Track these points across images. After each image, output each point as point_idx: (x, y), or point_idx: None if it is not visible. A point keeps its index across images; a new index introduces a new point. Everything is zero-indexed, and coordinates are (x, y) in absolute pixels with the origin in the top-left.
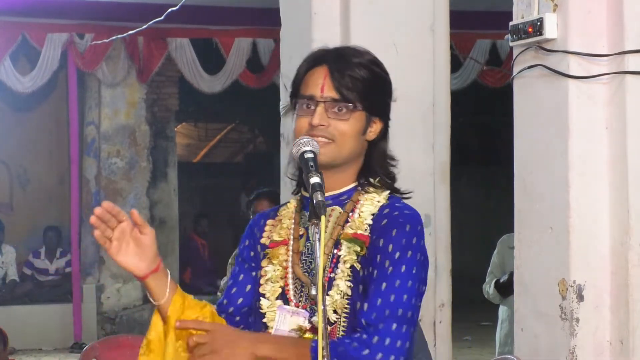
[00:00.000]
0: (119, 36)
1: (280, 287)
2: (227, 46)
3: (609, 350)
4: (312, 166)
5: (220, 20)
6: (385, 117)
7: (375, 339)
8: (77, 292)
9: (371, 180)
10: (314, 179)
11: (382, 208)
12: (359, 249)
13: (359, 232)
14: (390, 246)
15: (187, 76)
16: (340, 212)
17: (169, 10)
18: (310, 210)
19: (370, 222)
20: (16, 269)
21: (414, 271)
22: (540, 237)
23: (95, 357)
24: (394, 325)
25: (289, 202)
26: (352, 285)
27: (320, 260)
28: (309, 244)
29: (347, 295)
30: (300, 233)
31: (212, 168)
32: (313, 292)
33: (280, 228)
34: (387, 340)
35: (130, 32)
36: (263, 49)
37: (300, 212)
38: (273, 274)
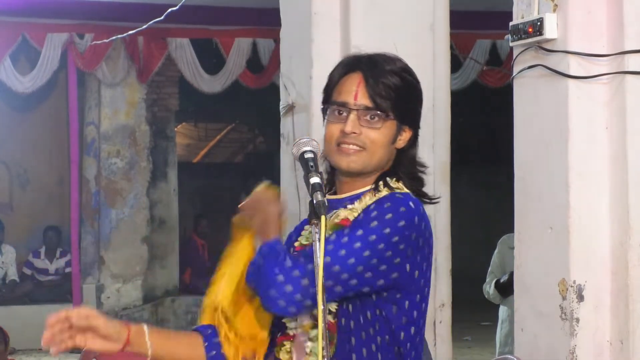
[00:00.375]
0: (119, 36)
1: None
2: (227, 46)
3: (608, 351)
4: (312, 166)
5: (220, 20)
6: (415, 126)
7: (296, 272)
8: (77, 292)
9: (387, 180)
10: (314, 179)
11: (381, 199)
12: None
13: (343, 219)
14: (361, 215)
15: (187, 76)
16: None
17: (169, 10)
18: (310, 210)
19: (358, 212)
20: (16, 269)
21: (370, 239)
22: (540, 237)
23: (95, 358)
24: (310, 266)
25: None
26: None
27: (320, 260)
28: None
29: None
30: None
31: (212, 168)
32: None
33: (309, 232)
34: (296, 272)
35: (130, 32)
36: (263, 49)
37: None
38: None
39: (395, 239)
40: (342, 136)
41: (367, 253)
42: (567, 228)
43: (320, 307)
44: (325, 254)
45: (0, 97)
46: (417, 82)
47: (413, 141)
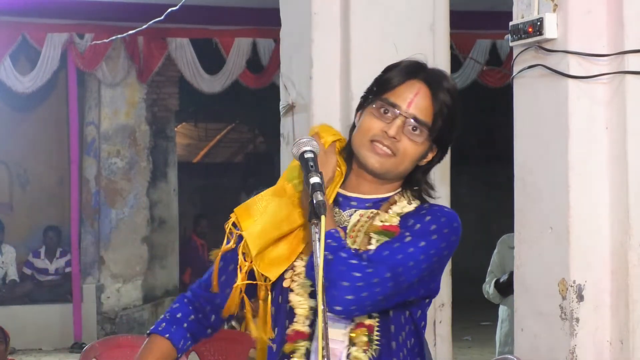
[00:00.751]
0: (119, 36)
1: (311, 284)
2: (227, 46)
3: (608, 350)
4: (312, 166)
5: (220, 20)
6: (443, 149)
7: (375, 280)
8: (77, 292)
9: (414, 190)
10: (314, 179)
11: (419, 207)
12: (387, 239)
13: (387, 224)
14: (418, 225)
15: (187, 76)
16: (372, 212)
17: (169, 10)
18: (310, 210)
19: (402, 214)
20: (16, 269)
21: (431, 252)
22: (540, 237)
23: (95, 357)
24: (388, 274)
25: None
26: None
27: (320, 259)
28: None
29: None
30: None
31: (212, 168)
32: None
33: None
34: (375, 279)
35: (130, 32)
36: (263, 49)
37: (332, 210)
38: (303, 270)
39: (446, 252)
40: (381, 136)
41: (424, 265)
42: (567, 228)
43: (320, 307)
44: (396, 262)
45: (0, 97)
46: (461, 106)
47: (433, 162)
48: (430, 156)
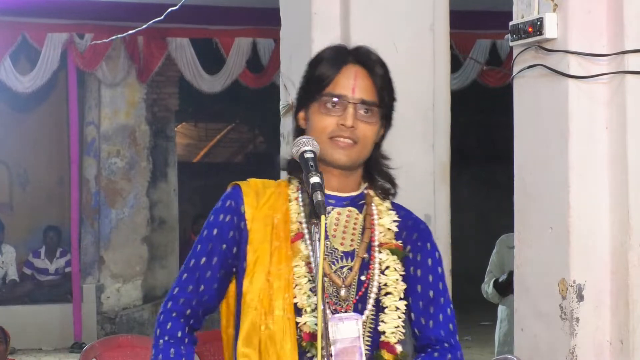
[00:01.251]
0: (118, 36)
1: (310, 288)
2: (227, 46)
3: (608, 350)
4: (312, 166)
5: (220, 20)
6: (389, 120)
7: (451, 355)
8: (77, 292)
9: (377, 179)
10: (314, 179)
11: (400, 216)
12: (397, 258)
13: (393, 241)
14: (430, 260)
15: (187, 76)
16: (357, 214)
17: (169, 10)
18: (310, 210)
19: (395, 229)
20: (16, 269)
21: (445, 284)
22: (540, 237)
23: (95, 357)
24: (456, 338)
25: (274, 188)
26: (406, 302)
27: (320, 259)
28: (328, 242)
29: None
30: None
31: (212, 168)
32: (343, 292)
33: (291, 222)
34: (458, 354)
35: (130, 31)
36: (263, 48)
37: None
38: (301, 271)
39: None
40: (339, 130)
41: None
42: (567, 228)
43: (320, 307)
44: (442, 312)
45: (0, 97)
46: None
47: (384, 136)
48: (382, 131)
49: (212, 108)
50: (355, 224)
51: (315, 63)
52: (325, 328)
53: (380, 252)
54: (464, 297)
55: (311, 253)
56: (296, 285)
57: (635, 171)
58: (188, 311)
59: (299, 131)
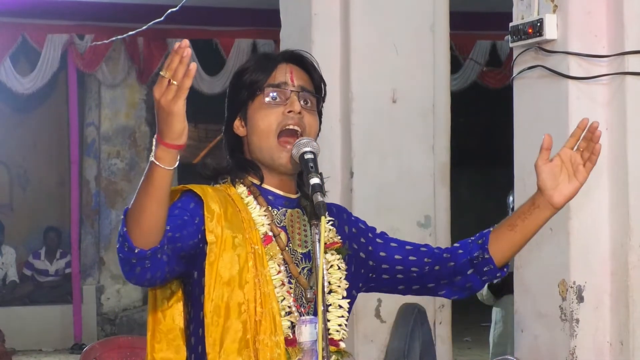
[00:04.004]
0: (119, 37)
1: (287, 291)
2: (227, 47)
3: (608, 351)
4: (312, 167)
5: (220, 21)
6: (320, 117)
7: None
8: (77, 293)
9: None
10: (314, 180)
11: (335, 212)
12: (341, 256)
13: (336, 239)
14: (361, 224)
15: None
16: (303, 215)
17: (169, 11)
18: (309, 211)
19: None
20: (16, 270)
21: None
22: (540, 239)
23: (95, 358)
24: None
25: (209, 191)
26: (349, 301)
27: (320, 260)
28: (290, 245)
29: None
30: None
31: None
32: (310, 294)
33: (259, 224)
34: None
35: (130, 32)
36: (263, 49)
37: (267, 208)
38: (278, 275)
39: None
40: (286, 119)
41: None
42: (567, 229)
43: (321, 307)
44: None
45: (1, 98)
46: None
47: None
48: (319, 127)
49: (212, 109)
50: (305, 225)
51: (242, 73)
52: (325, 329)
53: (326, 252)
54: (464, 299)
55: (280, 255)
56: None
57: (635, 172)
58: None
59: (236, 139)
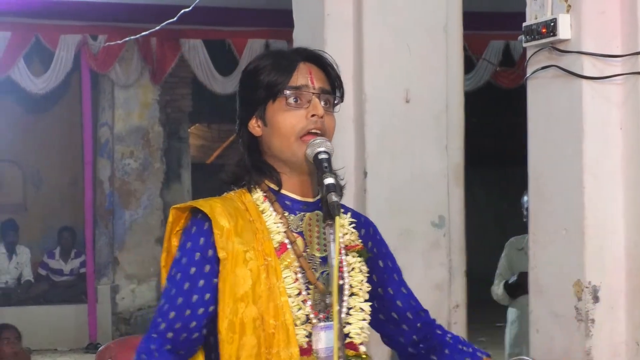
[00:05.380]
0: (132, 37)
1: (303, 299)
2: (240, 47)
3: (624, 352)
4: (326, 167)
5: (233, 21)
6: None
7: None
8: (92, 293)
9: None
10: (329, 180)
11: (361, 222)
12: (362, 259)
13: (357, 242)
14: (384, 249)
15: (200, 77)
16: (317, 214)
17: (182, 11)
18: (324, 212)
19: (354, 230)
20: (31, 270)
21: None
22: (554, 239)
23: (111, 358)
24: None
25: (222, 202)
26: (372, 304)
27: (335, 261)
28: (308, 249)
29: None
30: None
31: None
32: (328, 300)
33: (274, 232)
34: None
35: (144, 33)
36: None
37: (283, 214)
38: (294, 284)
39: None
40: (308, 123)
41: None
42: (582, 229)
43: (336, 307)
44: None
45: (14, 99)
46: None
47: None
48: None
49: (225, 109)
50: (324, 228)
51: (257, 71)
52: (341, 330)
53: (347, 254)
54: (479, 299)
55: (297, 263)
56: (289, 297)
57: None
58: (178, 349)
59: (252, 138)
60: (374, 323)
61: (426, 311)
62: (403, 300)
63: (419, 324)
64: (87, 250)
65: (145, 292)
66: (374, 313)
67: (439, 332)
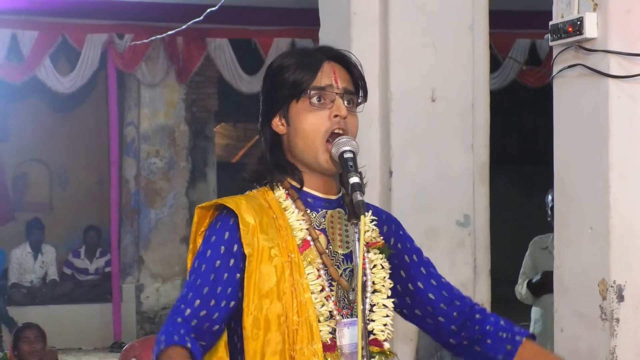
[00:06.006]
0: (158, 36)
1: (326, 296)
2: (266, 46)
3: None
4: (351, 166)
5: (259, 20)
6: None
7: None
8: (117, 292)
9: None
10: (354, 179)
11: (384, 219)
12: (384, 256)
13: (379, 238)
14: (408, 244)
15: (226, 76)
16: (344, 215)
17: (208, 10)
18: (349, 210)
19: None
20: (56, 269)
21: None
22: (580, 238)
23: (135, 357)
24: None
25: (247, 199)
26: (395, 300)
27: (360, 260)
28: (330, 246)
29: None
30: (317, 235)
31: None
32: (352, 296)
33: (296, 229)
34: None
35: (170, 32)
36: None
37: (306, 212)
38: (317, 280)
39: None
40: (332, 124)
41: None
42: (607, 228)
43: (360, 306)
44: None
45: (41, 98)
46: None
47: None
48: None
49: (250, 108)
50: (346, 225)
51: (282, 70)
52: (365, 329)
53: (368, 251)
54: (503, 298)
55: (319, 259)
56: (312, 293)
57: None
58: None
59: (275, 136)
60: (415, 320)
61: (462, 298)
62: (434, 292)
63: (455, 313)
64: (112, 249)
65: (170, 291)
66: (410, 310)
67: (478, 316)
